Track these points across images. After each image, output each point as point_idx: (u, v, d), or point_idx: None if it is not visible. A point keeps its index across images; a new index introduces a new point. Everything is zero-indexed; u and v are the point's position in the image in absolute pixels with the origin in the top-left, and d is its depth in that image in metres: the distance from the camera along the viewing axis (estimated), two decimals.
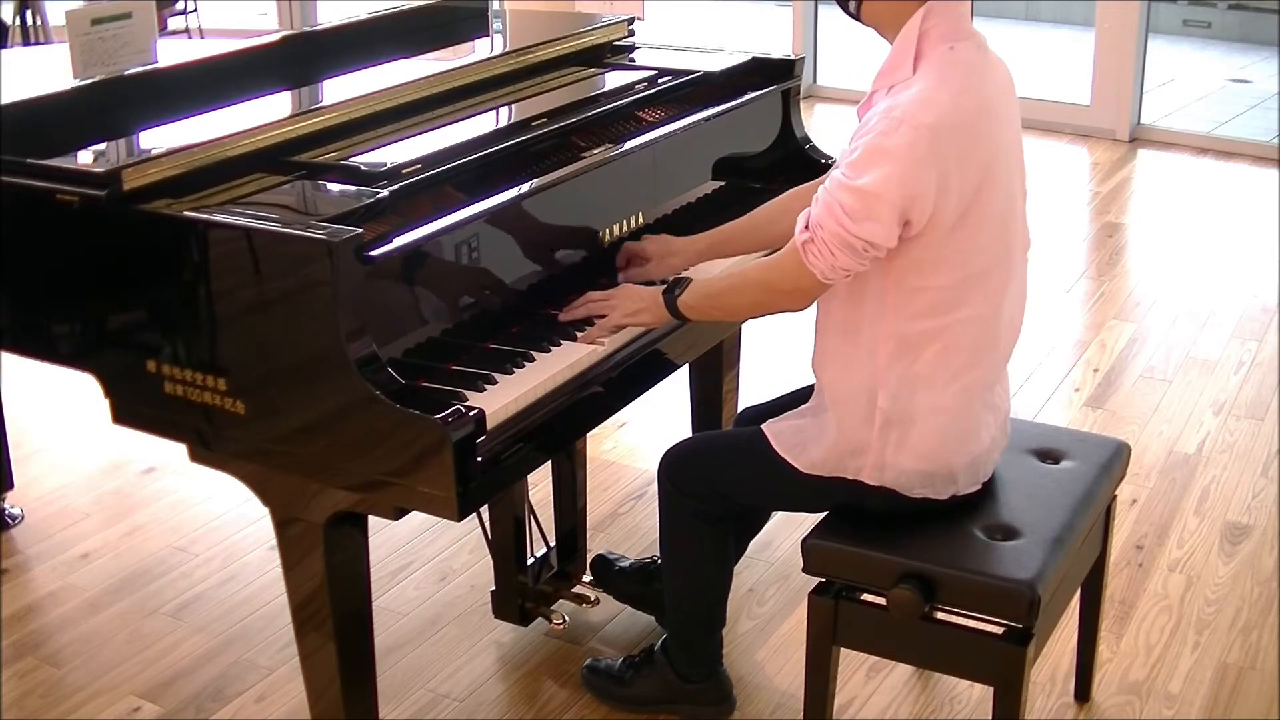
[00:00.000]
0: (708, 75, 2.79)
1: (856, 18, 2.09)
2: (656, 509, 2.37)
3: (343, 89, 2.49)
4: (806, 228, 1.99)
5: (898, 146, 1.91)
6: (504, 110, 2.57)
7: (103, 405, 2.15)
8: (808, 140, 2.88)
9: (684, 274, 2.24)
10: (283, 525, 2.08)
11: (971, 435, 2.12)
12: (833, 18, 2.17)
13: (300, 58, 2.73)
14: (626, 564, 2.77)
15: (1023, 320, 2.19)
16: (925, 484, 2.12)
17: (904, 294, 2.02)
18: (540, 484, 2.79)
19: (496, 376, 2.03)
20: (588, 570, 2.79)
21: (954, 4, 2.01)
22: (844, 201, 1.94)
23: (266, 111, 2.35)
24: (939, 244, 1.98)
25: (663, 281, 2.27)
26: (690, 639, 2.45)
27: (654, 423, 3.61)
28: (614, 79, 2.75)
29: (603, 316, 2.20)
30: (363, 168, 2.18)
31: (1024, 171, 2.13)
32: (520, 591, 2.67)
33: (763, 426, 2.23)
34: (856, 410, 2.11)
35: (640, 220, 2.45)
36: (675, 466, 2.31)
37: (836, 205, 1.94)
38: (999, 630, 2.08)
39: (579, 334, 2.17)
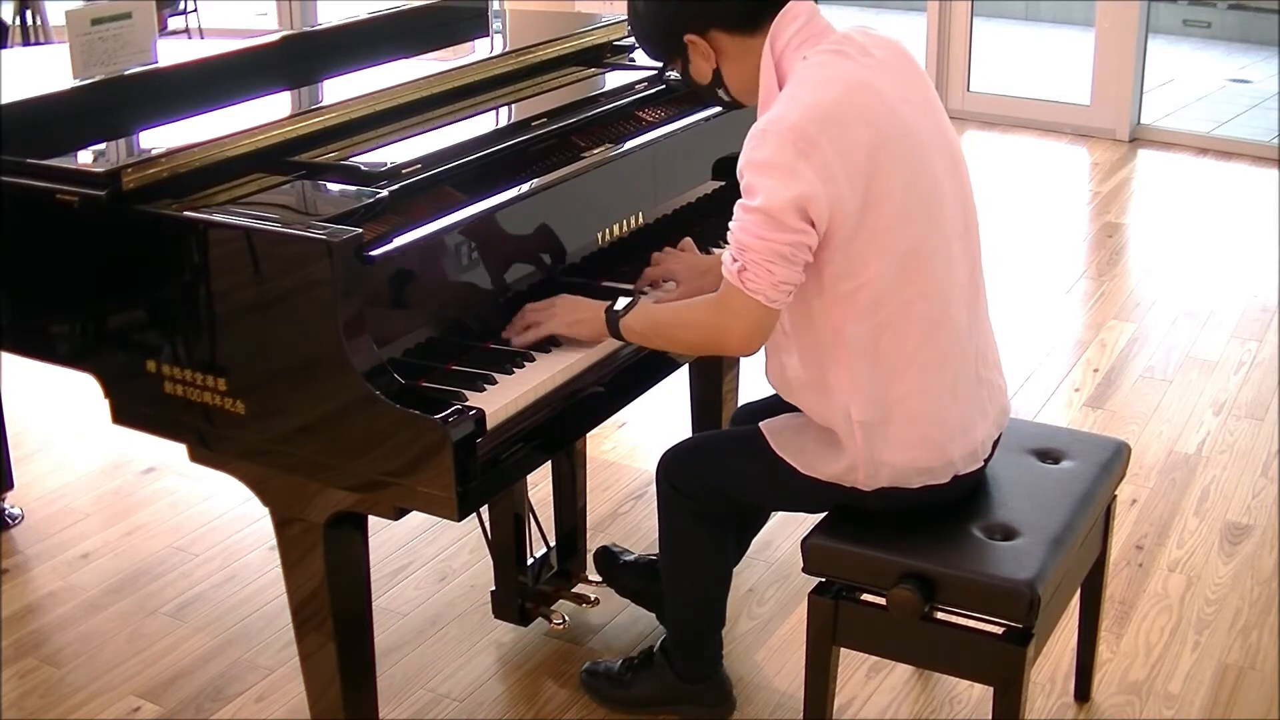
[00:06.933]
0: None
1: (737, 102, 2.15)
2: (656, 509, 2.37)
3: (343, 89, 2.49)
4: (734, 260, 1.98)
5: (768, 157, 1.94)
6: (504, 110, 2.57)
7: (103, 405, 2.15)
8: None
9: (636, 293, 2.22)
10: (283, 525, 2.08)
11: (955, 411, 2.10)
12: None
13: (300, 58, 2.73)
14: (631, 558, 2.75)
15: (984, 299, 2.18)
16: (922, 473, 2.11)
17: (842, 301, 2.02)
18: (540, 484, 2.79)
19: (496, 376, 2.03)
20: (591, 564, 2.79)
21: (793, 18, 2.03)
22: (752, 221, 1.95)
23: (266, 111, 2.35)
24: (855, 237, 1.98)
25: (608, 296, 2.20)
26: (690, 639, 2.45)
27: (654, 423, 3.61)
28: (614, 79, 2.75)
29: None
30: (363, 168, 2.18)
31: (949, 145, 2.10)
32: (520, 591, 2.67)
33: (760, 425, 2.23)
34: (837, 428, 2.11)
35: (640, 220, 2.45)
36: (674, 467, 2.31)
37: (749, 226, 1.95)
38: (999, 630, 2.08)
39: (514, 340, 2.13)
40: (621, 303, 2.14)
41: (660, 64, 2.21)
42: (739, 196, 2.00)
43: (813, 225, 1.95)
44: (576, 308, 2.15)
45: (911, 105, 2.05)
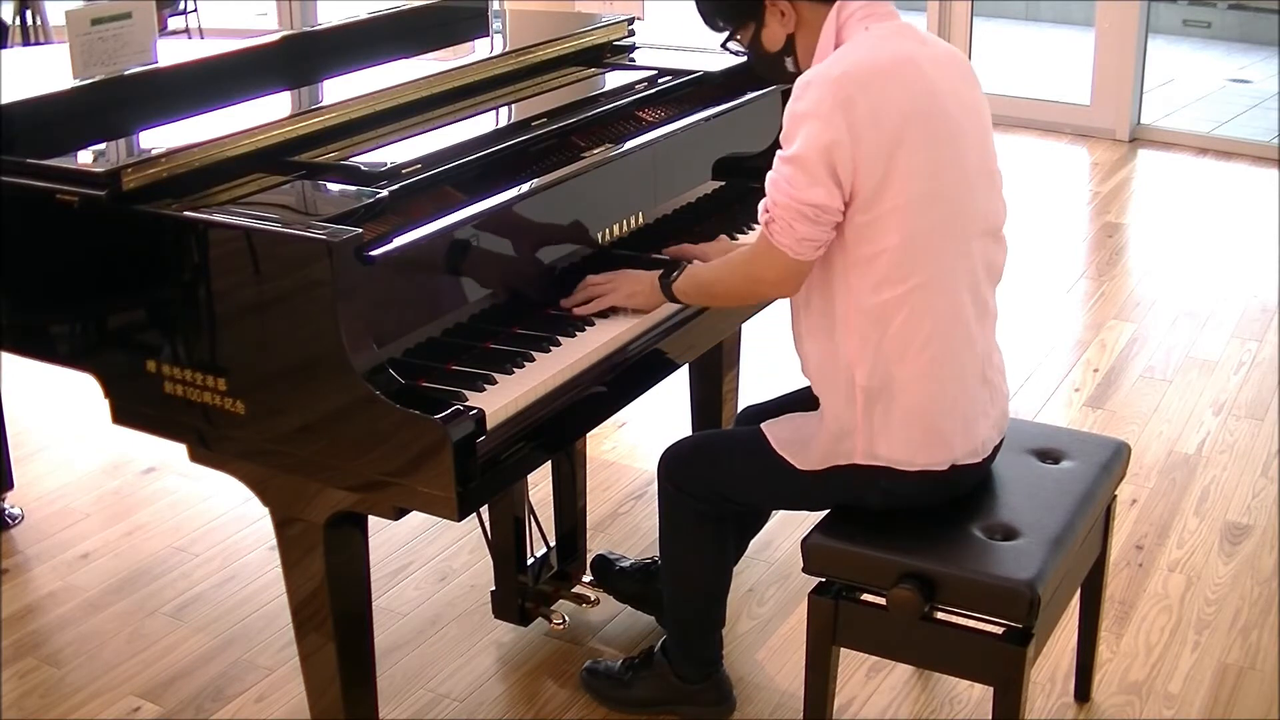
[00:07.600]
0: (707, 75, 2.79)
1: (797, 74, 2.14)
2: (656, 509, 2.37)
3: (343, 89, 2.49)
4: (766, 210, 2.05)
5: (807, 106, 2.00)
6: (504, 110, 2.57)
7: (103, 405, 2.15)
8: None
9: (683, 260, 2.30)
10: (283, 525, 2.08)
11: (958, 404, 2.11)
12: None
13: (300, 58, 2.73)
14: (627, 564, 2.77)
15: (993, 314, 2.18)
16: (920, 451, 2.11)
17: (859, 265, 2.05)
18: (540, 484, 2.79)
19: (496, 376, 2.03)
20: (588, 570, 2.79)
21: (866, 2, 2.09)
22: (784, 173, 2.01)
23: (266, 111, 2.35)
24: (874, 202, 2.01)
25: (659, 266, 2.30)
26: (689, 639, 2.45)
27: (654, 423, 3.61)
28: (614, 79, 2.75)
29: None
30: (363, 168, 2.18)
31: (987, 155, 2.15)
32: (520, 591, 2.67)
33: (762, 426, 2.23)
34: (839, 392, 2.12)
35: (640, 220, 2.45)
36: (675, 466, 2.31)
37: (780, 179, 2.02)
38: (999, 630, 2.08)
39: (574, 309, 2.22)
40: (673, 271, 2.24)
41: (727, 31, 2.20)
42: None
43: (838, 185, 1.98)
44: (635, 280, 2.26)
45: (957, 102, 2.09)
